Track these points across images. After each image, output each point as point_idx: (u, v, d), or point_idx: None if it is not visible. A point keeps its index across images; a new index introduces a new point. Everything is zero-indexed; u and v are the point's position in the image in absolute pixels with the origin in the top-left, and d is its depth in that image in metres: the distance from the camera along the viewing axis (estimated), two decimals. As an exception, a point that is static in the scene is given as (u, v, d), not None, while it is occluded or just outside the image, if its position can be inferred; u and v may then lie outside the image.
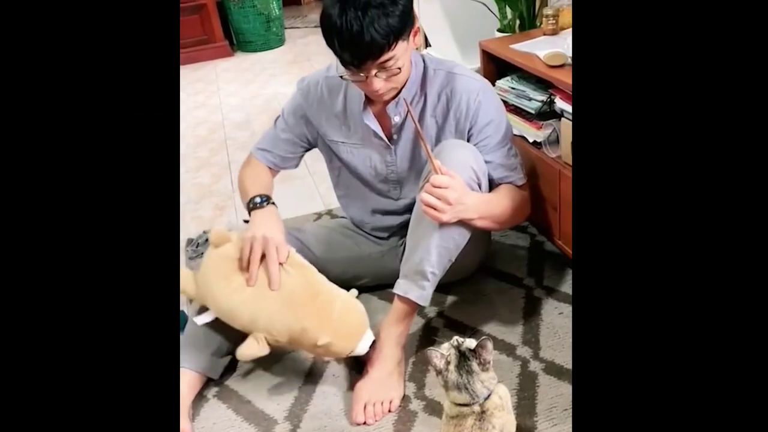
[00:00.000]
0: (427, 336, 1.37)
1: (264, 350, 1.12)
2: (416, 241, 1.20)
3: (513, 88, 1.53)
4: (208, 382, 1.29)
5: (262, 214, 1.21)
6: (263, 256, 1.11)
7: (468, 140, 1.26)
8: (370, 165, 1.34)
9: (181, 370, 1.21)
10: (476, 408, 0.97)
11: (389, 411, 1.18)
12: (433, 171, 1.10)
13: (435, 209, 1.10)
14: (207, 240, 1.83)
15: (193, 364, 1.23)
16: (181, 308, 1.46)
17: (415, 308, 1.23)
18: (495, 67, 1.62)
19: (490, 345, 0.97)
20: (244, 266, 1.11)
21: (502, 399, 0.99)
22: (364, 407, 1.18)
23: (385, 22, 1.04)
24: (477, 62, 1.66)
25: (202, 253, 1.79)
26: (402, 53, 1.11)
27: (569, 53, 1.37)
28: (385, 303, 1.47)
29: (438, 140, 1.27)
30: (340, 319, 1.14)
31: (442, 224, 1.14)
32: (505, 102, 1.57)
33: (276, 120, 1.40)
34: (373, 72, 1.10)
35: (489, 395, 0.97)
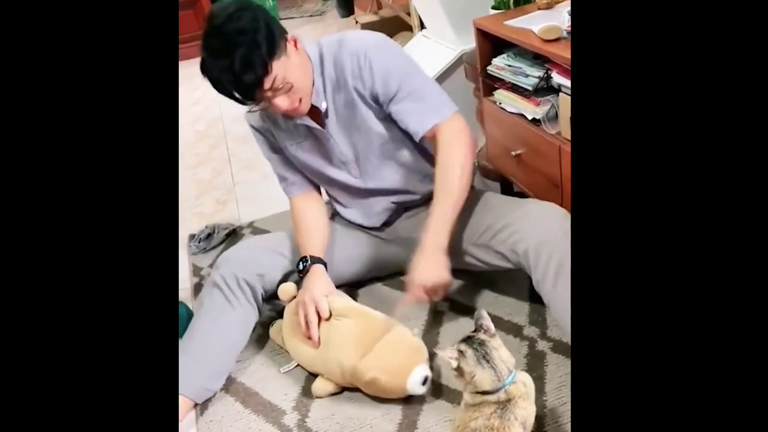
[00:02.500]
0: (433, 320, 1.36)
1: (331, 388, 1.22)
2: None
3: (509, 66, 1.50)
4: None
5: (307, 277, 1.28)
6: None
7: (380, 106, 1.23)
8: (320, 155, 1.33)
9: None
10: (501, 395, 0.91)
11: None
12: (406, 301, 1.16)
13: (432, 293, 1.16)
14: (209, 235, 1.85)
15: (181, 387, 1.19)
16: (180, 301, 1.45)
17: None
18: (490, 45, 1.59)
19: (484, 312, 0.96)
20: (304, 332, 1.24)
21: (526, 386, 0.95)
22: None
23: (253, 57, 1.07)
24: (472, 42, 1.64)
25: (205, 248, 1.81)
26: (284, 69, 1.12)
27: (564, 26, 1.34)
28: (391, 290, 1.46)
29: (354, 120, 1.25)
30: (384, 354, 1.15)
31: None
32: (501, 80, 1.55)
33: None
34: (269, 96, 1.13)
35: (513, 380, 0.93)
